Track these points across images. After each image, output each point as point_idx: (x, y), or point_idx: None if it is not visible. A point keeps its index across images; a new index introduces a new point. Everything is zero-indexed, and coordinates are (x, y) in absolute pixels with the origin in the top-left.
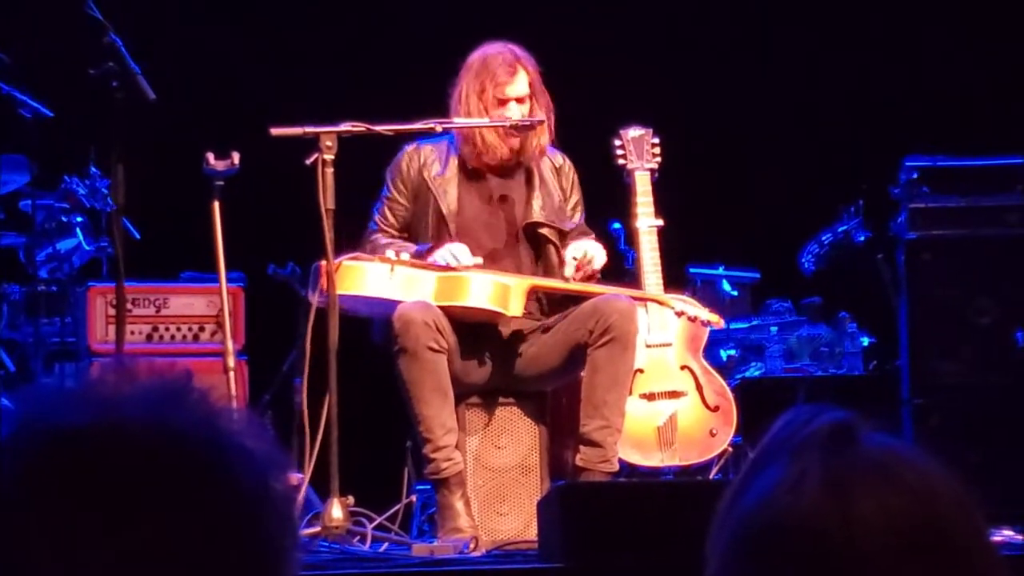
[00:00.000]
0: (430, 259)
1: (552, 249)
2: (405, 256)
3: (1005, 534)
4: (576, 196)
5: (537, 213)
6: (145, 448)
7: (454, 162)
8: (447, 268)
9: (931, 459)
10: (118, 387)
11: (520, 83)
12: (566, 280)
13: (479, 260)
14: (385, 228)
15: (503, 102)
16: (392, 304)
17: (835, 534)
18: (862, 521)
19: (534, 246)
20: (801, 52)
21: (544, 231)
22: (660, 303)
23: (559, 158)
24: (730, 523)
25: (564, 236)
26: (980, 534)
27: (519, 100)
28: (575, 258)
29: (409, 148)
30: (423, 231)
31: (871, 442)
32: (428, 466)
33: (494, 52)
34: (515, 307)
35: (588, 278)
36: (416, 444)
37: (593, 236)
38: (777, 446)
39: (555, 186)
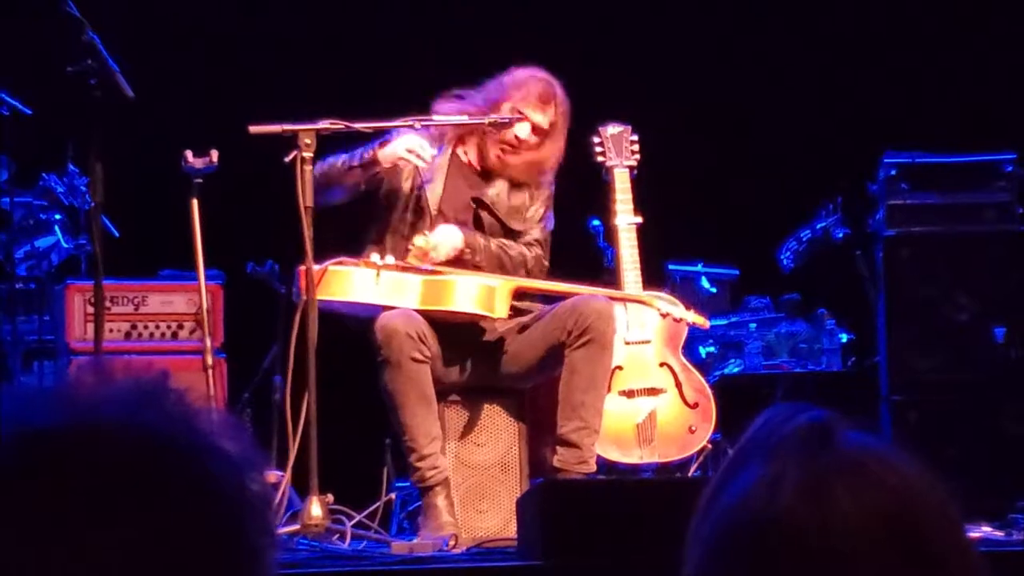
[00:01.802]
0: (383, 150)
1: (486, 229)
2: (390, 259)
3: (983, 530)
4: (537, 207)
5: (490, 196)
6: (121, 449)
7: (447, 152)
8: (432, 272)
9: (910, 457)
10: (95, 388)
11: (545, 116)
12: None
13: (434, 152)
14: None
15: (523, 118)
16: (377, 309)
17: (813, 534)
18: (840, 521)
19: (472, 220)
20: (780, 49)
21: (482, 213)
22: (646, 304)
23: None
24: (708, 522)
25: (508, 233)
26: (959, 532)
27: (535, 129)
28: (414, 244)
29: (406, 129)
30: (399, 206)
31: (849, 441)
32: (413, 474)
33: (538, 76)
34: (500, 309)
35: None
36: (396, 443)
37: (538, 250)
38: (755, 445)
39: (527, 196)
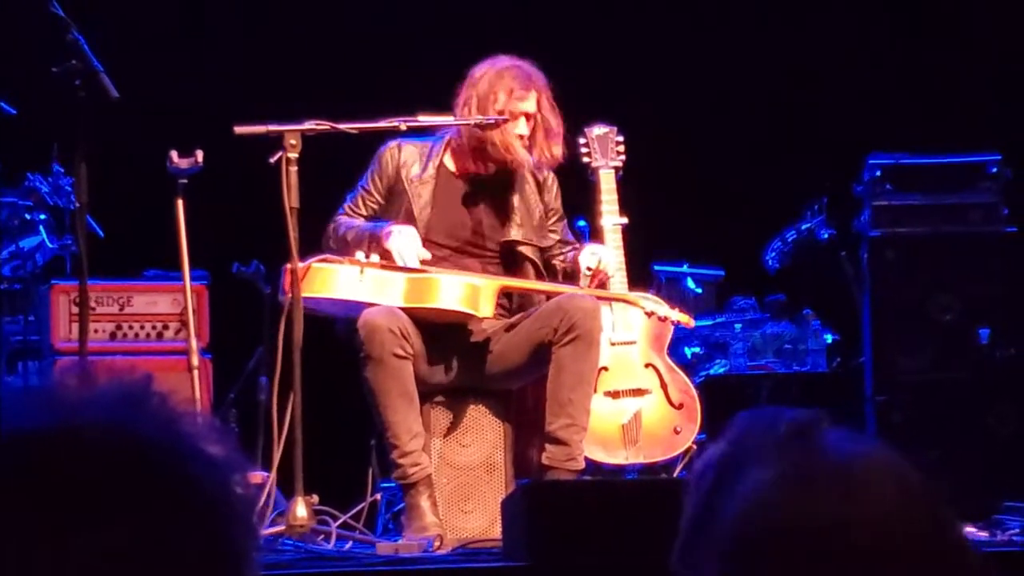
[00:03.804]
0: (385, 240)
1: (530, 266)
2: (374, 258)
3: (968, 531)
4: (559, 210)
5: (515, 232)
6: (104, 452)
7: (434, 164)
8: (418, 270)
9: (900, 454)
10: (78, 391)
11: (532, 102)
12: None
13: (427, 255)
14: (352, 214)
15: (515, 116)
16: (361, 306)
17: (835, 532)
18: (861, 517)
19: (512, 263)
20: (765, 50)
21: (523, 249)
22: (631, 303)
23: (544, 172)
24: (718, 529)
25: (543, 252)
26: (962, 530)
27: (528, 117)
28: (590, 268)
29: (392, 144)
30: (388, 219)
31: (842, 440)
32: (395, 471)
33: (507, 65)
34: (485, 308)
35: (599, 284)
36: (381, 444)
37: (576, 244)
38: (748, 450)
39: (536, 201)
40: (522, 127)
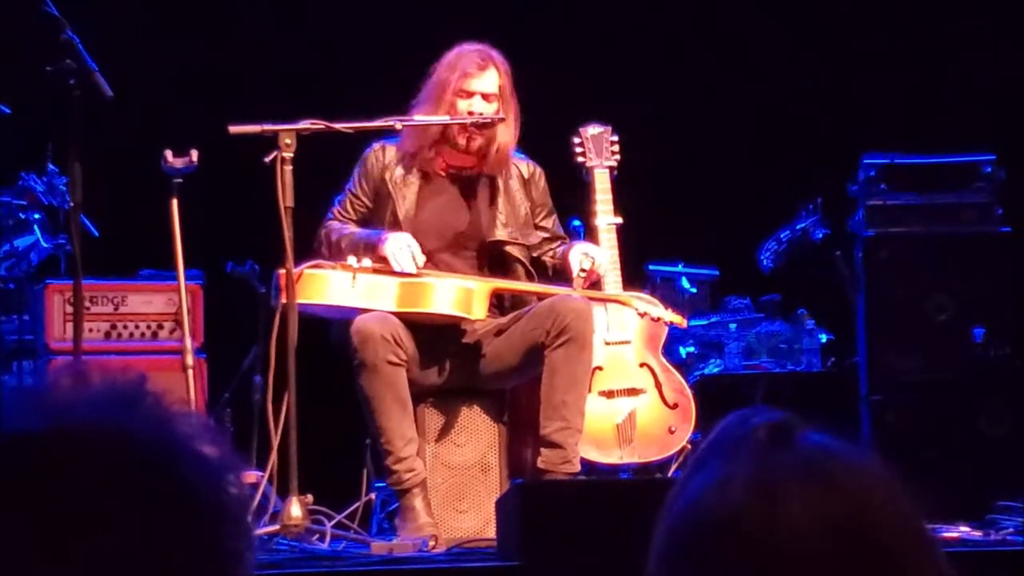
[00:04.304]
0: (381, 247)
1: (519, 266)
2: (366, 263)
3: (961, 530)
4: (548, 205)
5: (500, 231)
6: (98, 453)
7: (417, 165)
8: (411, 274)
9: (868, 458)
10: (72, 391)
11: (488, 80)
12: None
13: (423, 259)
14: (342, 219)
15: (468, 94)
16: (354, 312)
17: (763, 535)
18: (790, 522)
19: (499, 263)
20: (760, 50)
21: (510, 249)
22: (624, 304)
23: (529, 167)
24: (665, 523)
25: (531, 249)
26: (914, 534)
27: (485, 96)
28: (584, 270)
29: (376, 146)
30: (375, 222)
31: (806, 442)
32: (390, 477)
33: (468, 49)
34: (478, 311)
35: (592, 284)
36: (375, 447)
37: (567, 240)
38: (714, 447)
39: (522, 197)
40: (477, 106)
